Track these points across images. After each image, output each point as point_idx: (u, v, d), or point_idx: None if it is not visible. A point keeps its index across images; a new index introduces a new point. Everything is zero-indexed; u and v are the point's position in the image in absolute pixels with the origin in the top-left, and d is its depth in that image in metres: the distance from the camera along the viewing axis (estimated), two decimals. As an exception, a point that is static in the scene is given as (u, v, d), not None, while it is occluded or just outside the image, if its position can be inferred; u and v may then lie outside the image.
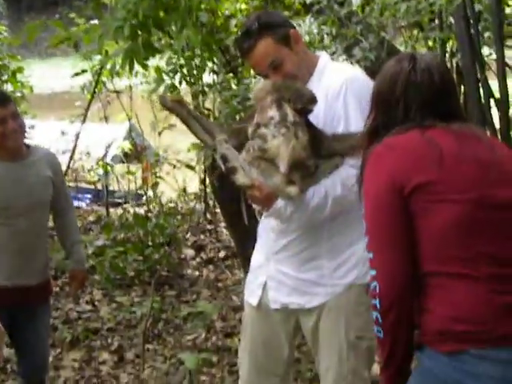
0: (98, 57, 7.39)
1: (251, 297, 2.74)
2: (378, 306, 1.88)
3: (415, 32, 6.80)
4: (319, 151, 2.42)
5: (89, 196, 10.66)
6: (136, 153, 9.22)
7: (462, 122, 2.01)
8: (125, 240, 6.34)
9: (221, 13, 5.54)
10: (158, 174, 5.02)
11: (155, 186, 5.09)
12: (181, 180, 7.03)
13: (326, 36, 4.54)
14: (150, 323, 4.83)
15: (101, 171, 9.43)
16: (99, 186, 10.32)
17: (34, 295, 3.39)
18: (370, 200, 1.94)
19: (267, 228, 2.69)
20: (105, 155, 9.95)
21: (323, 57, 2.69)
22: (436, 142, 1.89)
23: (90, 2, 9.10)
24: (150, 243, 6.07)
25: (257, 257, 2.78)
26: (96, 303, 5.52)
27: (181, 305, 5.37)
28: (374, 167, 1.94)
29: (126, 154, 8.97)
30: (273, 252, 2.65)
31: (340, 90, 2.47)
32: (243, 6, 6.51)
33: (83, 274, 3.65)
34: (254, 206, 2.57)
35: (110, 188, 9.51)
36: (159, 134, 5.54)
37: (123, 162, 9.13)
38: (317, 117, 2.47)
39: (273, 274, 2.65)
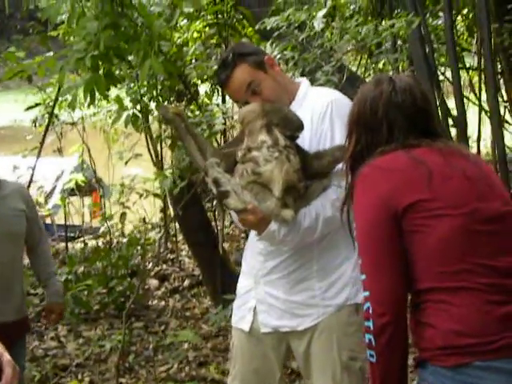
0: (50, 89, 7.38)
1: (241, 322, 2.71)
2: (371, 327, 1.87)
3: (365, 55, 6.94)
4: (307, 173, 2.44)
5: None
6: (88, 186, 9.16)
7: (444, 140, 2.05)
8: (85, 273, 6.25)
9: (173, 41, 5.56)
10: (125, 205, 4.98)
11: (123, 216, 5.04)
12: (141, 210, 7.00)
13: (287, 61, 4.56)
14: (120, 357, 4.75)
15: (50, 205, 9.33)
16: (48, 221, 10.18)
17: (10, 333, 3.27)
18: (362, 223, 1.94)
19: (254, 251, 2.68)
20: (53, 189, 9.85)
21: (304, 83, 2.73)
22: (423, 160, 1.91)
23: (30, 36, 9.03)
24: (113, 275, 5.99)
25: (244, 282, 2.76)
26: (62, 339, 5.40)
27: (149, 336, 5.31)
28: (364, 190, 1.95)
29: (78, 187, 8.87)
30: (261, 275, 2.64)
31: (326, 112, 2.51)
32: (195, 35, 6.54)
33: (61, 306, 3.59)
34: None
35: (61, 222, 9.38)
36: (126, 163, 5.50)
37: (75, 195, 9.03)
38: (302, 139, 2.49)
39: (262, 298, 2.64)
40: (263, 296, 2.64)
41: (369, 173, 1.95)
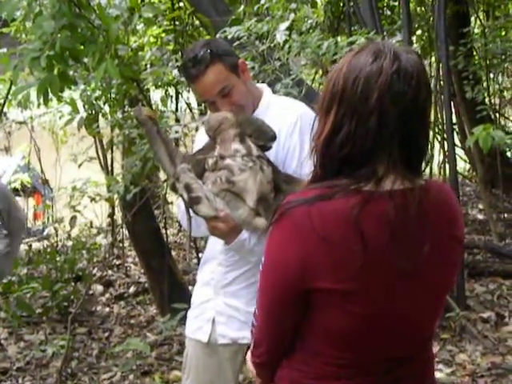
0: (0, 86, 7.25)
1: (198, 333, 2.67)
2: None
3: (320, 71, 7.00)
4: (276, 184, 2.42)
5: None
6: (33, 187, 9.04)
7: (412, 183, 1.60)
8: (28, 276, 6.15)
9: (129, 45, 5.52)
10: (76, 208, 4.92)
11: (73, 219, 4.97)
12: (88, 214, 6.90)
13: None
14: (62, 362, 4.66)
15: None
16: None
17: None
18: (270, 268, 1.66)
19: (213, 262, 2.65)
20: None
21: (266, 90, 2.68)
22: (364, 235, 1.53)
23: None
24: (57, 279, 5.90)
25: (201, 292, 2.72)
26: (2, 342, 5.29)
27: (93, 343, 5.23)
28: (286, 238, 1.60)
29: (23, 188, 8.74)
30: (221, 286, 2.61)
31: (295, 126, 2.48)
32: (152, 40, 6.52)
33: None
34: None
35: None
36: (79, 166, 5.44)
37: (19, 196, 8.88)
38: (269, 151, 2.47)
39: (222, 309, 2.61)
40: (223, 307, 2.61)
41: (301, 220, 1.56)
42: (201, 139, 2.66)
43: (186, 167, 2.37)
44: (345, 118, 1.56)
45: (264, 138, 2.40)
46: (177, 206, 2.74)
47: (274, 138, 2.41)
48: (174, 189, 2.36)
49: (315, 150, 1.64)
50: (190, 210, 2.41)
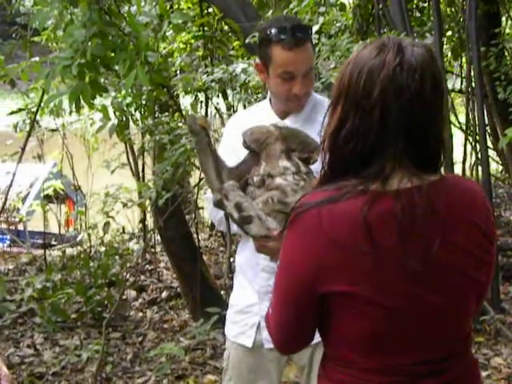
0: (32, 94, 7.35)
1: (242, 337, 2.68)
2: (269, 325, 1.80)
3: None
4: None
5: (7, 237, 10.34)
6: (65, 194, 9.15)
7: (429, 178, 1.58)
8: (62, 281, 6.21)
9: (158, 52, 5.56)
10: (109, 214, 4.96)
11: (107, 225, 5.02)
12: (120, 220, 6.96)
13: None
14: (97, 367, 4.70)
15: (23, 211, 9.29)
16: (20, 227, 10.07)
17: None
18: (285, 271, 1.68)
19: (256, 268, 2.62)
20: (27, 195, 9.80)
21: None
22: (373, 243, 1.52)
23: (9, 40, 8.95)
24: (91, 284, 5.96)
25: (244, 296, 2.71)
26: (38, 347, 5.34)
27: (127, 347, 5.27)
28: (299, 239, 1.62)
29: (56, 195, 8.83)
30: (265, 291, 2.57)
31: None
32: (181, 46, 6.56)
33: None
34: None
35: (35, 229, 9.34)
36: (112, 172, 5.49)
37: (52, 203, 8.98)
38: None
39: None
40: None
41: (312, 223, 1.57)
42: (229, 135, 2.69)
43: (234, 184, 2.29)
44: (349, 113, 1.55)
45: (308, 149, 2.34)
46: (205, 199, 2.69)
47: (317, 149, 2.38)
48: (220, 205, 2.30)
49: (323, 147, 1.64)
50: (231, 223, 2.38)
